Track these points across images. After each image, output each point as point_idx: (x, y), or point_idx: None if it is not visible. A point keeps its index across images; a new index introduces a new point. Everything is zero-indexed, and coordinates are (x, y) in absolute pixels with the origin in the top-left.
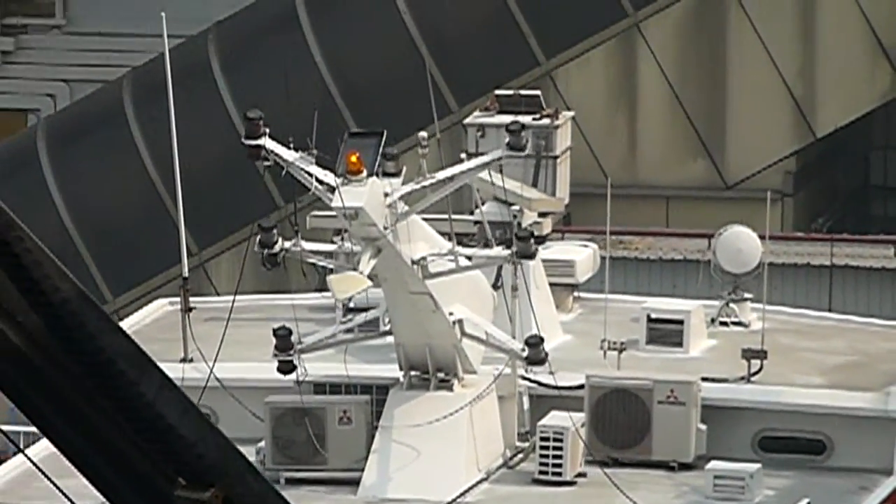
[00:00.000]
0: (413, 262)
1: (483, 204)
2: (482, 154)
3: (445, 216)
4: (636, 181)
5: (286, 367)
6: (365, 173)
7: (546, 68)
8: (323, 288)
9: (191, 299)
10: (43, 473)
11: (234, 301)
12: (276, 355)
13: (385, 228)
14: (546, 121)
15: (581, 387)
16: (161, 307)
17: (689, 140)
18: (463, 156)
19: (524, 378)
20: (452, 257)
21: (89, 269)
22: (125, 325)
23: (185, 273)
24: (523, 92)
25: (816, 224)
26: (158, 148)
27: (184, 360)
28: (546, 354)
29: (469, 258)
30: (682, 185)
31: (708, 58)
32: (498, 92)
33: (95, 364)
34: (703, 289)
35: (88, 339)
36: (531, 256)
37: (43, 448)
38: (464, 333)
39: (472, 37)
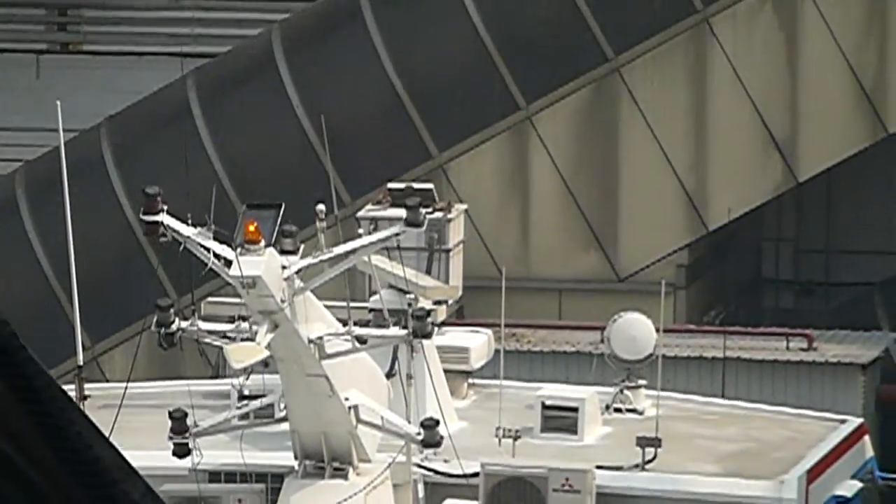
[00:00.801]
0: (310, 341)
1: (377, 293)
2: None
3: (342, 302)
4: (529, 274)
5: (181, 451)
6: (263, 243)
7: (439, 161)
8: (218, 375)
9: (86, 386)
10: None
11: (126, 388)
12: (171, 438)
13: (282, 301)
14: (439, 214)
15: (476, 475)
16: None
17: (581, 233)
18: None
19: (419, 466)
20: (348, 338)
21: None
22: None
23: (81, 361)
24: (416, 185)
25: (709, 317)
26: (51, 242)
27: None
28: (441, 437)
29: (365, 340)
30: (575, 278)
31: (600, 151)
32: (390, 185)
33: (87, 466)
34: (597, 379)
35: (84, 445)
36: (428, 335)
37: None
38: (359, 420)
39: (365, 130)
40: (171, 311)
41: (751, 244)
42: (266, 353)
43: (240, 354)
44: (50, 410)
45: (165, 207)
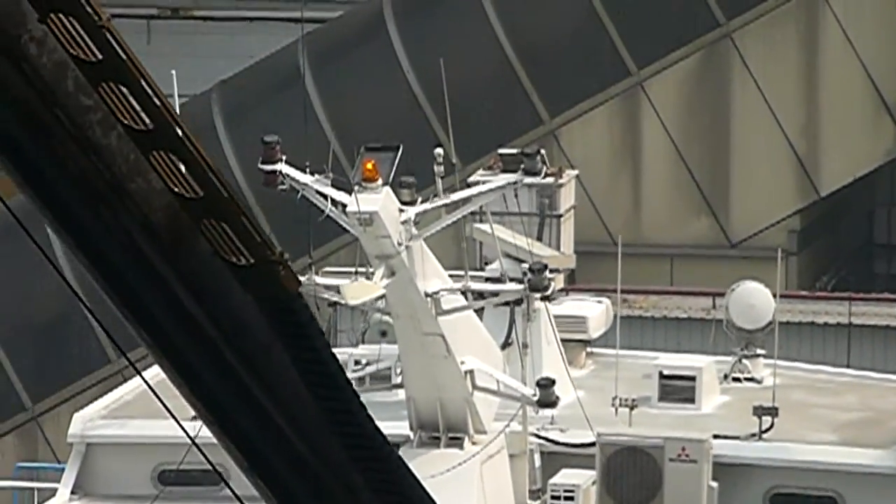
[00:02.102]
0: (426, 295)
1: (490, 262)
2: (484, 213)
3: (457, 271)
4: (640, 239)
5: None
6: (380, 181)
7: (550, 127)
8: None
9: None
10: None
11: None
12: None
13: (399, 245)
14: (550, 179)
15: (592, 444)
16: None
17: (693, 199)
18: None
19: (535, 435)
20: (464, 295)
21: (94, 328)
22: (137, 380)
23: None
24: (527, 150)
25: (821, 282)
26: None
27: (195, 417)
28: (557, 397)
29: (482, 294)
30: (686, 244)
31: (711, 116)
32: (501, 151)
33: (372, 451)
34: (711, 347)
35: (366, 419)
36: (545, 290)
37: None
38: (475, 386)
39: (476, 96)
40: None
41: (863, 209)
42: (382, 291)
43: (356, 291)
44: (337, 395)
45: (284, 157)
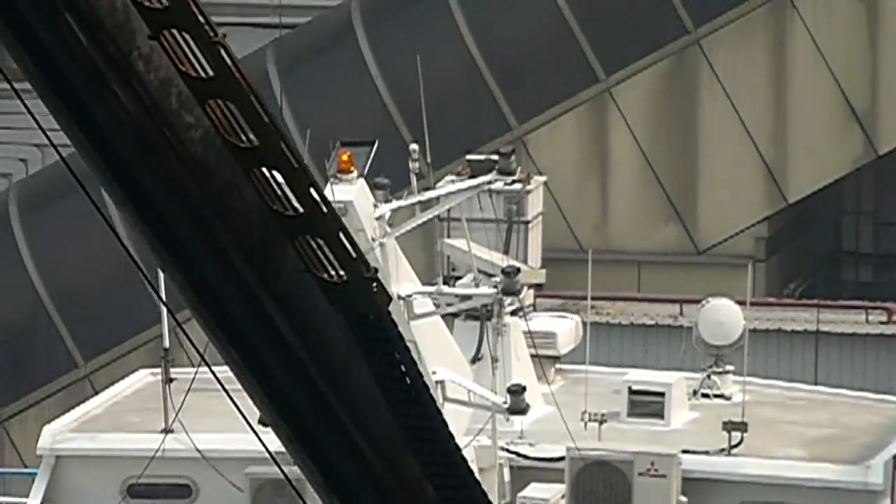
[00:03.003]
0: (399, 298)
1: (461, 277)
2: (455, 219)
3: (429, 287)
4: (608, 246)
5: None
6: (355, 173)
7: (518, 133)
8: None
9: (172, 370)
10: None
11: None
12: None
13: (373, 240)
14: (518, 186)
15: (561, 458)
16: (143, 377)
17: (660, 205)
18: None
19: (505, 449)
20: (437, 299)
21: (60, 334)
22: (107, 394)
23: (166, 344)
24: (494, 157)
25: (788, 290)
26: None
27: (165, 431)
28: (527, 405)
29: (455, 299)
30: (654, 251)
31: (679, 123)
32: (469, 157)
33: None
34: (681, 357)
35: (447, 438)
36: (517, 293)
37: None
38: (445, 398)
39: (444, 102)
40: None
41: (830, 217)
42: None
43: None
44: (419, 399)
45: None
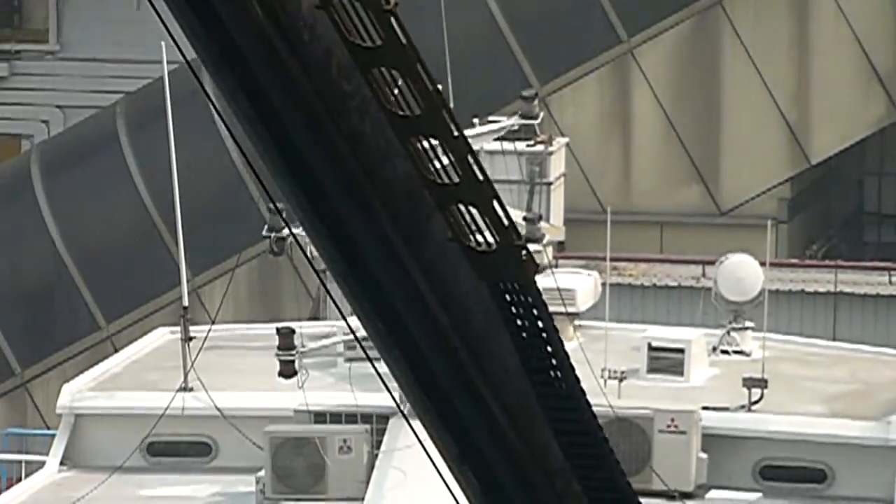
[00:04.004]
0: None
1: None
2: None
3: None
4: (630, 207)
5: (288, 370)
6: None
7: (540, 94)
8: (318, 316)
9: (191, 328)
10: None
11: (210, 328)
12: (278, 354)
13: None
14: (540, 147)
15: None
16: (161, 336)
17: (683, 166)
18: None
19: None
20: None
21: (82, 295)
22: (126, 353)
23: (185, 302)
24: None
25: (811, 250)
26: (152, 174)
27: (183, 389)
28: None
29: None
30: (677, 212)
31: (702, 84)
32: (491, 118)
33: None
34: (700, 316)
35: (590, 416)
36: (539, 240)
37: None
38: None
39: (465, 62)
40: (283, 215)
41: (853, 178)
42: None
43: None
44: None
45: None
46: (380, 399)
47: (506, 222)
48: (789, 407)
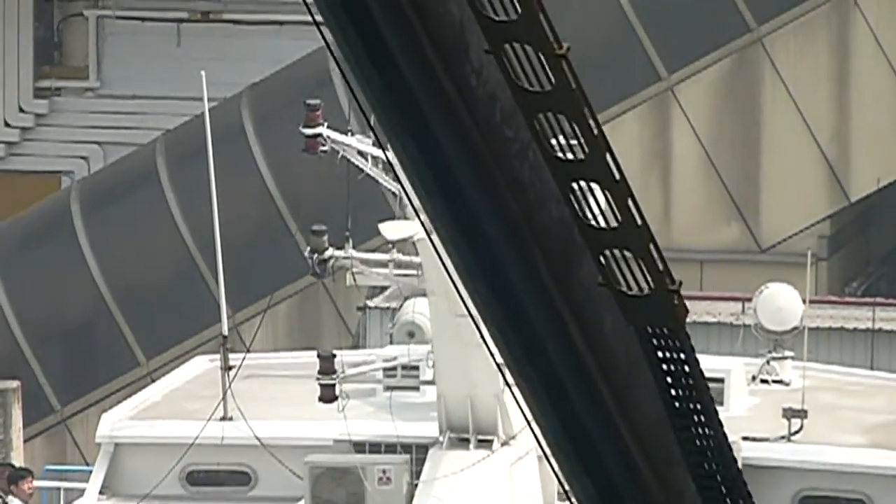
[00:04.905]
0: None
1: None
2: None
3: None
4: (670, 244)
5: (328, 394)
6: None
7: None
8: (358, 345)
9: (230, 357)
10: None
11: (245, 355)
12: (318, 379)
13: None
14: None
15: None
16: (200, 364)
17: (722, 203)
18: None
19: None
20: None
21: (122, 332)
22: (165, 382)
23: (225, 331)
24: None
25: (850, 288)
26: (191, 211)
27: (224, 419)
28: None
29: None
30: (716, 249)
31: (742, 121)
32: None
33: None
34: (740, 351)
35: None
36: None
37: None
38: (507, 382)
39: None
40: (325, 237)
41: (893, 215)
42: (420, 229)
43: (394, 230)
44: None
45: (326, 122)
46: (420, 429)
47: (661, 266)
48: (829, 437)
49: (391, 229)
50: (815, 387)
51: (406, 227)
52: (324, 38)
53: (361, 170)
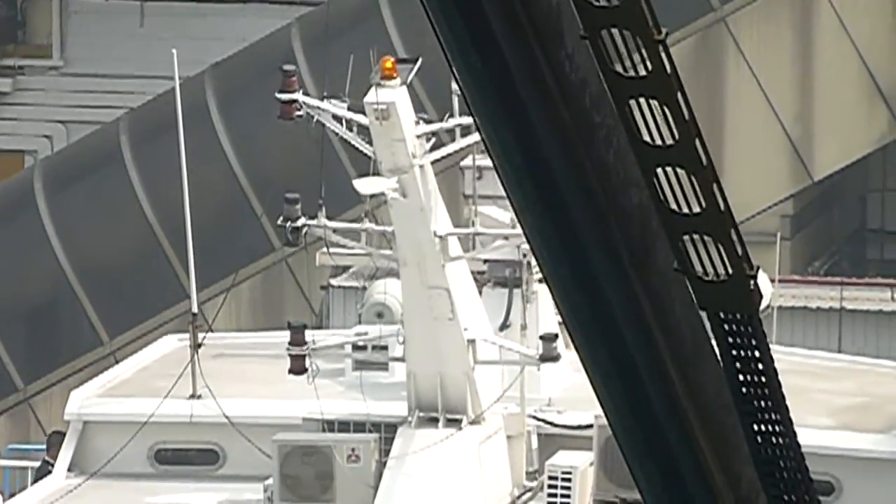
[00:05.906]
0: (436, 235)
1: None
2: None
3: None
4: None
5: (298, 366)
6: (399, 80)
7: None
8: (321, 325)
9: (199, 335)
10: None
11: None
12: (288, 349)
13: (413, 157)
14: None
15: (590, 426)
16: (170, 343)
17: None
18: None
19: (533, 417)
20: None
21: (85, 311)
22: (134, 360)
23: (195, 309)
24: None
25: (813, 267)
26: (155, 189)
27: (192, 397)
28: (559, 353)
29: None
30: None
31: (705, 100)
32: None
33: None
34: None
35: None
36: None
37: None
38: (476, 359)
39: None
40: (298, 206)
41: (856, 194)
42: (394, 185)
43: (368, 184)
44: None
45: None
46: (389, 408)
47: (740, 251)
48: (798, 419)
49: (365, 184)
50: (783, 370)
51: (379, 183)
52: (429, 18)
53: (336, 133)
